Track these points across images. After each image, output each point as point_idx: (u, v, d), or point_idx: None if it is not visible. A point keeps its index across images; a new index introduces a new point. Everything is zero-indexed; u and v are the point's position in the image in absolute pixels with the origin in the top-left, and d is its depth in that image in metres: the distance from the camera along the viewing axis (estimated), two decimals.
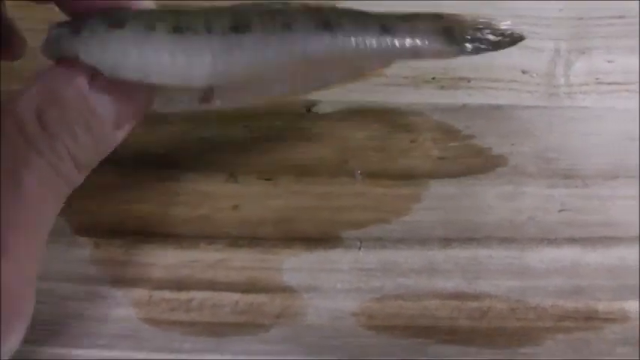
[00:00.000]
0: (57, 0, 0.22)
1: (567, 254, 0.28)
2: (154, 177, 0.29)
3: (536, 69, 0.31)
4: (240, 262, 0.28)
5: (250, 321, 0.27)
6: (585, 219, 0.29)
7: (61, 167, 0.20)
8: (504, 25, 0.26)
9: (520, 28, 0.26)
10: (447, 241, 0.29)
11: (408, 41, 0.24)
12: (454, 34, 0.25)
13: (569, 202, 0.29)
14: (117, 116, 0.21)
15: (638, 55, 0.32)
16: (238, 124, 0.31)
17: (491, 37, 0.26)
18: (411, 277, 0.28)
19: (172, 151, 0.29)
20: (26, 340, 0.21)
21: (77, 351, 0.26)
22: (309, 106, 0.31)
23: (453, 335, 0.27)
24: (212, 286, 0.28)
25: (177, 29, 0.21)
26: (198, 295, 0.27)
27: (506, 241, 0.29)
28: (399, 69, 0.31)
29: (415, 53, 0.25)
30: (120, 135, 0.22)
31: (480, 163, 0.30)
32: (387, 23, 0.24)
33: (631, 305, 0.28)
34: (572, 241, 0.29)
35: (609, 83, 0.31)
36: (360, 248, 0.28)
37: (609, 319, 0.27)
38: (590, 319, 0.27)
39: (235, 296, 0.27)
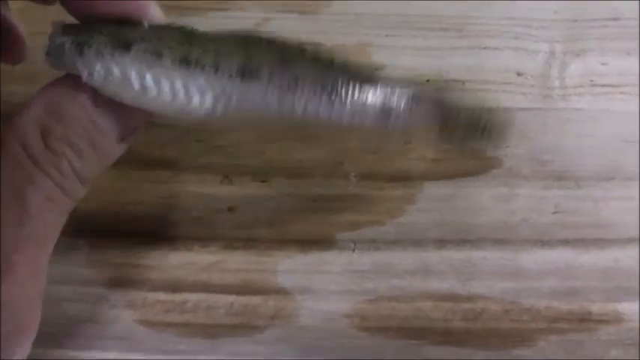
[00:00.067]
0: (64, 2, 0.22)
1: (561, 256, 0.28)
2: (149, 179, 0.29)
3: (530, 71, 0.31)
4: (235, 264, 0.28)
5: (245, 322, 0.27)
6: (579, 220, 0.29)
7: (66, 184, 0.20)
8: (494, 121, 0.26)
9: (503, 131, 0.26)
10: (441, 243, 0.29)
11: (402, 124, 0.24)
12: (448, 123, 0.25)
13: (563, 203, 0.29)
14: (121, 131, 0.21)
15: (632, 57, 0.32)
16: None
17: (482, 136, 0.26)
18: (405, 279, 0.28)
19: (168, 153, 0.29)
20: None
21: (72, 352, 0.27)
22: None
23: (447, 336, 0.27)
24: (207, 287, 0.28)
25: (185, 61, 0.21)
26: (193, 297, 0.28)
27: (500, 242, 0.29)
28: (394, 70, 0.31)
29: (405, 134, 0.25)
30: (123, 147, 0.22)
31: (474, 165, 0.30)
32: (388, 103, 0.23)
33: (625, 307, 0.28)
34: (566, 242, 0.29)
35: (604, 85, 0.31)
36: (354, 250, 0.28)
37: (603, 320, 0.28)
38: (584, 320, 0.28)
39: (230, 298, 0.28)
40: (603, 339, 0.27)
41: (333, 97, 0.23)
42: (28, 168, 0.19)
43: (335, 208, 0.29)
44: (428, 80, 0.31)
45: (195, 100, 0.21)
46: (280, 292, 0.28)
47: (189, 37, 0.22)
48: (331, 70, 0.23)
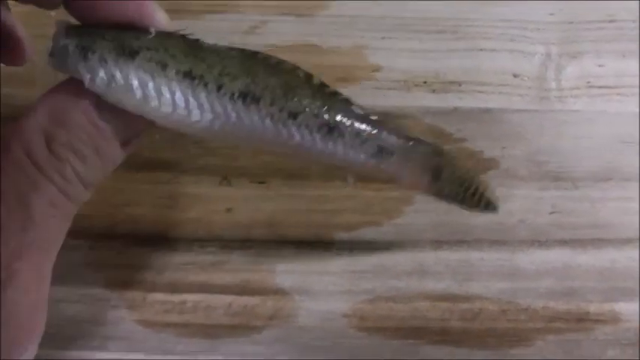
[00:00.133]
0: (68, 7, 0.21)
1: (558, 256, 0.29)
2: (148, 180, 0.29)
3: (527, 73, 0.31)
4: (234, 264, 0.28)
5: (243, 323, 0.27)
6: (576, 221, 0.29)
7: (70, 190, 0.20)
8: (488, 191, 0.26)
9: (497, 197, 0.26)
10: (438, 244, 0.29)
11: (395, 167, 0.24)
12: (440, 176, 0.25)
13: (560, 204, 0.29)
14: (124, 135, 0.21)
15: (628, 59, 0.32)
16: None
17: (468, 198, 0.26)
18: (402, 279, 0.28)
19: (166, 154, 0.29)
20: None
21: (71, 353, 0.27)
22: None
23: (444, 336, 0.27)
24: (206, 288, 0.28)
25: (189, 75, 0.21)
26: (192, 298, 0.28)
27: (497, 243, 0.29)
28: (390, 72, 0.31)
29: (399, 180, 0.25)
30: (127, 152, 0.22)
31: (471, 166, 0.30)
32: (385, 145, 0.24)
33: (622, 307, 0.28)
34: (563, 243, 0.29)
35: (600, 87, 0.31)
36: (352, 250, 0.29)
37: (600, 320, 0.28)
38: (582, 320, 0.28)
39: (229, 298, 0.28)
40: (600, 339, 0.27)
41: (329, 134, 0.23)
42: (32, 174, 0.20)
43: (333, 209, 0.29)
44: (425, 82, 0.31)
45: (195, 114, 0.21)
46: (279, 292, 0.28)
47: (194, 48, 0.22)
48: (333, 103, 0.23)
